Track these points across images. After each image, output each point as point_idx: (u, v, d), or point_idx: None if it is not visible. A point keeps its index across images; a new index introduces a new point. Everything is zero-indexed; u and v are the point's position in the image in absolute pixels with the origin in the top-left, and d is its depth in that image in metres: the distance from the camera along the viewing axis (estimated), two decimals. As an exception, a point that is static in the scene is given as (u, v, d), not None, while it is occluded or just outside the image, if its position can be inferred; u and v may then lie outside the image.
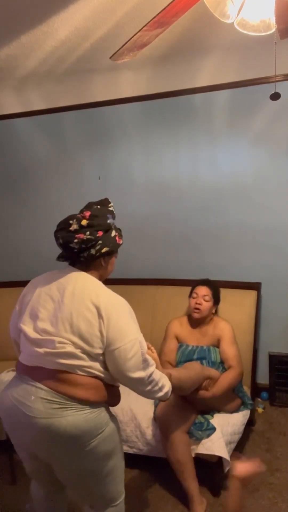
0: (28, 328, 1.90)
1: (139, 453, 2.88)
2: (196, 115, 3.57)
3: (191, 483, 2.57)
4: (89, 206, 1.97)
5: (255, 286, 3.51)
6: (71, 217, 1.90)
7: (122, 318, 1.83)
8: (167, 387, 1.98)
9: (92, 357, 1.82)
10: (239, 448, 3.01)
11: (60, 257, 1.97)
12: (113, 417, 1.96)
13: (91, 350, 1.80)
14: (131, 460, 2.93)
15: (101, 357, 1.84)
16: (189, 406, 2.76)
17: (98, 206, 1.96)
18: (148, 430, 2.81)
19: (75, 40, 2.92)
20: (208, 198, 3.67)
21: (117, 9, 2.52)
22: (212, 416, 2.81)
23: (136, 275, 3.86)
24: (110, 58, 2.23)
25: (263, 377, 3.73)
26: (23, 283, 4.05)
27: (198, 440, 2.66)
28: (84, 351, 1.80)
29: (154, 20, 1.84)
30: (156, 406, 2.78)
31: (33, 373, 1.84)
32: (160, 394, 1.95)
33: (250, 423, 3.22)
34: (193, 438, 2.65)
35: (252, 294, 3.45)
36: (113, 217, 1.97)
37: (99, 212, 1.91)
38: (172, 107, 3.60)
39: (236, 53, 3.27)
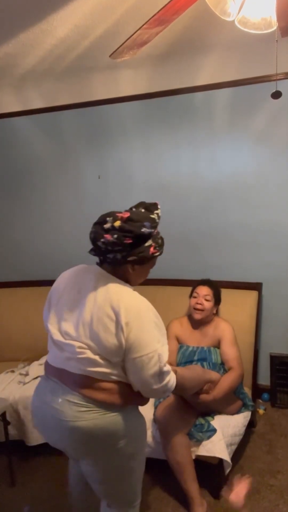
0: (53, 328, 1.86)
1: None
2: (196, 114, 3.56)
3: (192, 485, 2.56)
4: (137, 206, 1.86)
5: (256, 287, 3.50)
6: (111, 213, 1.78)
7: (144, 327, 1.73)
8: (174, 386, 1.90)
9: (112, 363, 1.76)
10: (240, 450, 3.00)
11: (91, 251, 1.86)
12: (141, 418, 1.95)
13: (110, 358, 1.74)
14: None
15: (121, 363, 1.78)
16: (189, 408, 2.74)
17: (143, 210, 1.82)
18: (148, 432, 2.78)
19: (74, 38, 2.90)
20: (208, 198, 3.65)
21: (117, 6, 2.50)
22: (213, 417, 2.79)
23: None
24: (109, 56, 2.22)
25: (264, 378, 3.72)
26: (22, 284, 4.10)
27: (199, 442, 2.64)
28: (103, 358, 1.75)
29: (154, 18, 1.83)
30: (156, 407, 2.76)
31: (60, 375, 1.82)
32: (168, 394, 1.94)
33: (251, 425, 3.21)
34: (194, 439, 2.64)
35: (253, 294, 3.44)
36: (152, 226, 1.78)
37: (137, 217, 1.75)
38: (172, 105, 3.59)
39: (237, 51, 3.25)
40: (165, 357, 1.76)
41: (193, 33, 2.94)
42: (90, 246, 1.91)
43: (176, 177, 3.72)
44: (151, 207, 1.84)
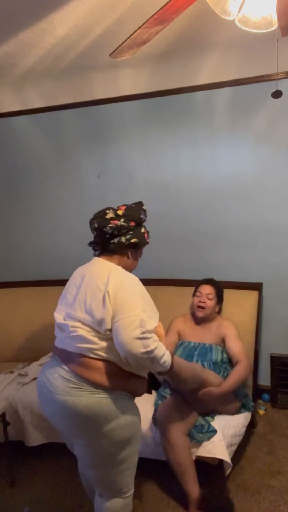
0: (58, 314, 2.09)
1: (140, 456, 2.84)
2: (196, 114, 3.54)
3: (192, 486, 2.55)
4: (124, 204, 2.19)
5: (256, 287, 3.49)
6: (108, 208, 2.12)
7: (128, 294, 1.91)
8: (168, 361, 1.99)
9: (103, 338, 1.92)
10: (241, 451, 2.99)
11: (91, 243, 2.16)
12: (134, 409, 2.06)
13: (100, 329, 1.91)
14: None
15: (111, 335, 1.91)
16: (189, 409, 2.73)
17: (133, 205, 2.19)
18: (148, 432, 2.79)
19: (74, 37, 2.89)
20: (208, 197, 3.64)
21: (116, 5, 2.49)
22: (213, 418, 2.79)
23: (136, 275, 3.81)
24: (109, 55, 2.22)
25: (265, 379, 3.70)
26: (21, 284, 4.09)
27: (199, 443, 2.63)
28: (95, 332, 1.93)
29: (154, 17, 1.82)
30: (156, 408, 2.76)
31: (60, 354, 2.02)
32: (160, 368, 1.98)
33: (251, 425, 3.20)
34: (194, 440, 2.63)
35: (254, 294, 3.43)
36: (145, 215, 2.19)
37: (133, 208, 2.15)
38: (172, 105, 3.57)
39: (237, 50, 3.23)
40: (149, 326, 1.86)
41: (193, 32, 2.92)
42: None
43: (176, 177, 3.71)
44: (138, 203, 2.23)
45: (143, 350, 1.82)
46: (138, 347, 1.81)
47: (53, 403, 1.97)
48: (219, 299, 3.19)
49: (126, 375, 1.99)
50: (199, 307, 3.10)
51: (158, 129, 3.66)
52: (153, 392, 3.07)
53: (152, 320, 1.90)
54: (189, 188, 3.69)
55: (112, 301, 1.89)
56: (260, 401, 3.68)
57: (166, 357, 1.95)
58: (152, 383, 3.12)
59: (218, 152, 3.57)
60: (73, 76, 3.63)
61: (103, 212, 2.11)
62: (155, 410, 2.76)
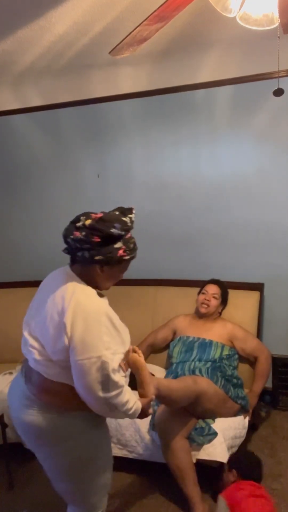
0: (25, 324, 1.93)
1: (139, 458, 2.85)
2: (197, 112, 3.52)
3: (193, 490, 2.53)
4: (113, 210, 1.87)
5: (258, 287, 3.48)
6: (86, 213, 1.82)
7: (90, 329, 1.69)
8: (134, 409, 1.84)
9: (57, 365, 1.77)
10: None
11: (65, 250, 1.89)
12: (97, 429, 1.93)
13: (53, 356, 1.75)
14: (130, 465, 2.92)
15: (66, 364, 1.74)
16: (188, 412, 2.71)
17: (117, 212, 1.84)
18: (148, 435, 2.77)
19: (73, 35, 2.87)
20: (209, 196, 3.62)
21: (116, 3, 2.48)
22: (214, 420, 2.76)
23: (136, 276, 3.77)
24: (109, 53, 2.22)
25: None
26: (20, 284, 4.06)
27: (199, 446, 2.61)
28: (48, 359, 1.77)
29: (154, 14, 1.82)
30: (154, 412, 2.73)
31: (25, 364, 1.92)
32: (123, 416, 1.85)
33: (252, 427, 3.17)
34: (194, 443, 2.61)
35: (255, 295, 3.42)
36: (123, 229, 1.79)
37: (108, 218, 1.78)
38: (172, 103, 3.55)
39: (238, 48, 3.21)
40: (113, 365, 1.70)
41: (194, 29, 2.91)
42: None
43: (177, 176, 3.68)
44: (126, 211, 1.86)
45: (101, 394, 1.69)
46: (99, 390, 1.68)
47: (12, 418, 1.95)
48: (224, 300, 3.25)
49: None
50: (203, 303, 3.17)
51: (158, 127, 3.64)
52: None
53: (116, 356, 1.73)
54: (190, 187, 3.66)
55: (70, 334, 1.68)
56: (262, 402, 3.65)
57: (130, 404, 1.80)
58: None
59: (219, 151, 3.55)
60: (73, 74, 3.61)
61: (77, 218, 1.81)
62: (153, 416, 2.73)
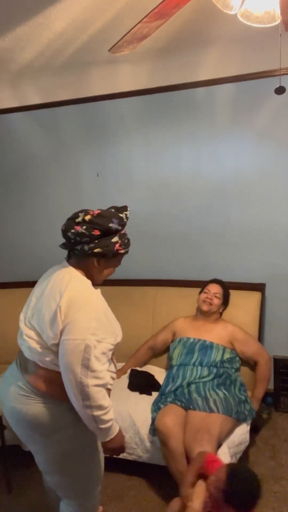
0: (22, 316, 2.03)
1: (139, 460, 2.84)
2: (197, 110, 3.50)
3: (192, 493, 2.50)
4: (108, 208, 2.01)
5: (259, 287, 3.46)
6: (83, 210, 1.96)
7: (80, 314, 1.81)
8: (107, 415, 1.84)
9: (52, 351, 1.85)
10: (243, 455, 2.93)
11: (62, 245, 2.02)
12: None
13: (48, 341, 1.83)
14: (130, 467, 2.90)
15: (57, 349, 1.85)
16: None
17: (113, 210, 1.99)
18: (148, 437, 2.75)
19: (72, 32, 2.84)
20: (210, 196, 3.59)
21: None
22: None
23: (136, 276, 3.80)
24: (108, 50, 2.21)
25: (267, 381, 3.65)
26: (19, 284, 4.04)
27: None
28: (43, 346, 1.86)
29: (155, 11, 1.81)
30: (154, 417, 2.71)
31: (20, 356, 2.00)
32: (94, 424, 1.83)
33: (254, 430, 3.14)
34: None
35: (256, 295, 3.40)
36: (120, 224, 1.95)
37: (106, 214, 1.94)
38: (173, 101, 3.52)
39: (239, 45, 3.18)
40: (96, 352, 1.77)
41: (194, 27, 2.88)
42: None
43: (177, 175, 3.66)
44: (121, 208, 2.01)
45: (78, 376, 1.74)
46: (76, 371, 1.74)
47: (6, 409, 1.99)
48: (225, 301, 3.23)
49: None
50: (205, 301, 3.16)
51: (158, 126, 3.61)
52: (153, 393, 3.03)
53: (101, 344, 1.80)
54: (190, 186, 3.64)
55: (64, 317, 1.80)
56: (263, 404, 3.62)
57: (106, 404, 1.82)
58: (152, 385, 3.09)
59: (220, 149, 3.53)
60: (72, 72, 3.58)
61: (76, 214, 1.95)
62: (153, 422, 2.71)
